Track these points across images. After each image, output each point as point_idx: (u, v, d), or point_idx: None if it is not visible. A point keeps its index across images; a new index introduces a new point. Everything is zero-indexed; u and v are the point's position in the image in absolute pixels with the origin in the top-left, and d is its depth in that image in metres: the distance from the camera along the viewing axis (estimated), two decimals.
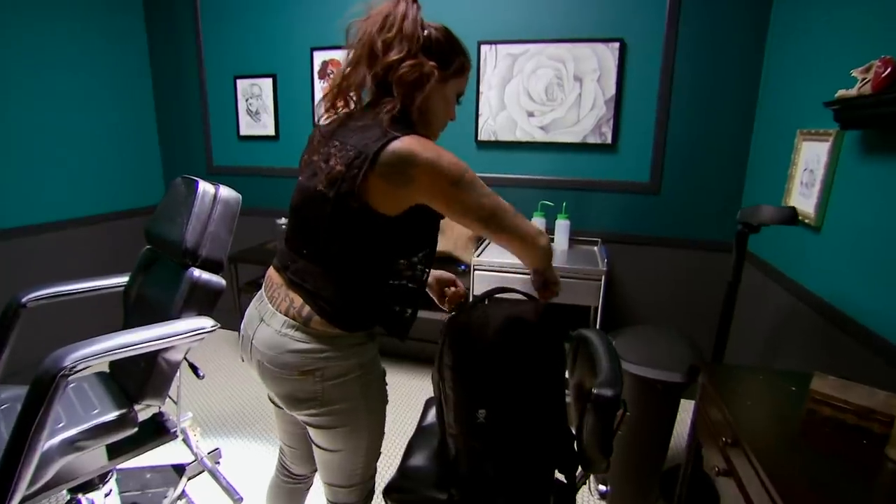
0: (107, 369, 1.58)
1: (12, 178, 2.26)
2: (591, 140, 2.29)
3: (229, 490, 1.72)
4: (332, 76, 2.57)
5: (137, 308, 1.58)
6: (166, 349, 1.39)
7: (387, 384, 1.08)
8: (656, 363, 1.64)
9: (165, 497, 1.68)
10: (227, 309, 2.15)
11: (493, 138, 2.44)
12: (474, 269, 2.11)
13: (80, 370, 1.13)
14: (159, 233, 1.53)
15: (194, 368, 1.55)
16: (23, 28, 2.27)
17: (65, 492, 1.43)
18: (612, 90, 2.22)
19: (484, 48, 2.35)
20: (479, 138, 2.46)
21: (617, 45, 2.16)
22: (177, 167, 2.99)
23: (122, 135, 2.75)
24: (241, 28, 2.65)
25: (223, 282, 1.47)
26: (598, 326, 2.00)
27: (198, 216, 1.45)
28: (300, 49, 2.56)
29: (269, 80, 2.64)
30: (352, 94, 0.97)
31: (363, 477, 1.10)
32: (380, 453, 1.12)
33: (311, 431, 1.02)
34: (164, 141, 2.98)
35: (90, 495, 1.46)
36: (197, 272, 1.42)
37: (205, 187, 1.49)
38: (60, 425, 1.29)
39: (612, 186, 2.32)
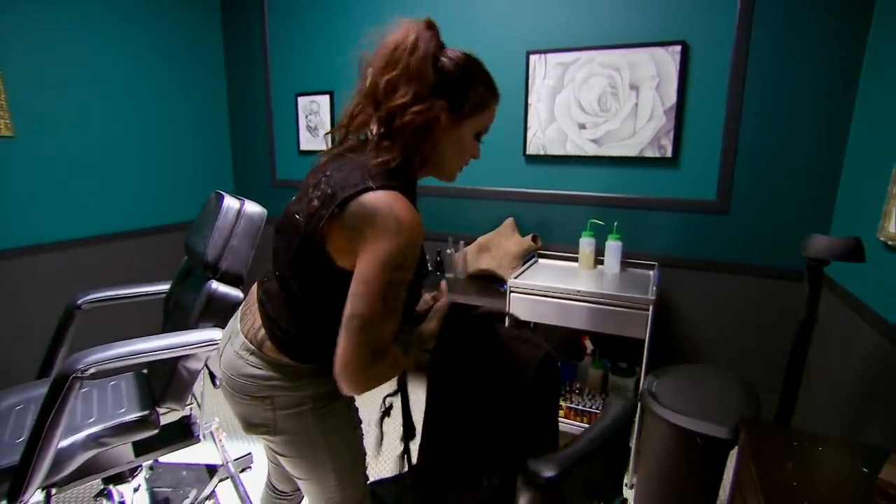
0: (145, 371, 1.70)
1: (96, 189, 2.56)
2: (649, 153, 2.08)
3: (244, 497, 1.76)
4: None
5: (173, 314, 1.68)
6: (185, 357, 1.45)
7: (355, 409, 1.03)
8: (700, 413, 1.42)
9: (193, 495, 1.76)
10: None
11: (541, 152, 2.31)
12: (511, 291, 1.99)
13: (94, 372, 1.22)
14: (191, 245, 1.62)
15: (212, 376, 1.61)
16: (107, 52, 2.57)
17: (99, 481, 1.55)
18: (672, 98, 2.00)
19: (533, 58, 2.24)
20: (527, 152, 2.34)
21: (678, 48, 1.95)
22: (246, 181, 3.21)
23: (198, 149, 3.01)
24: (303, 48, 2.78)
25: (241, 295, 1.51)
26: (645, 363, 1.79)
27: (220, 230, 1.51)
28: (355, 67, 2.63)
29: (327, 97, 2.74)
30: (360, 134, 0.91)
31: (344, 502, 1.05)
32: (365, 477, 1.08)
33: (277, 456, 1.00)
34: (235, 156, 3.22)
35: (120, 487, 1.57)
36: (215, 285, 1.47)
37: (229, 202, 1.55)
38: (90, 420, 1.39)
39: (672, 205, 2.09)
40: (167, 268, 2.77)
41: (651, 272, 2.08)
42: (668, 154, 2.04)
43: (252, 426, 0.95)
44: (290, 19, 2.81)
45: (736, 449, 1.29)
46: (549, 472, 0.77)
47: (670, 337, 2.17)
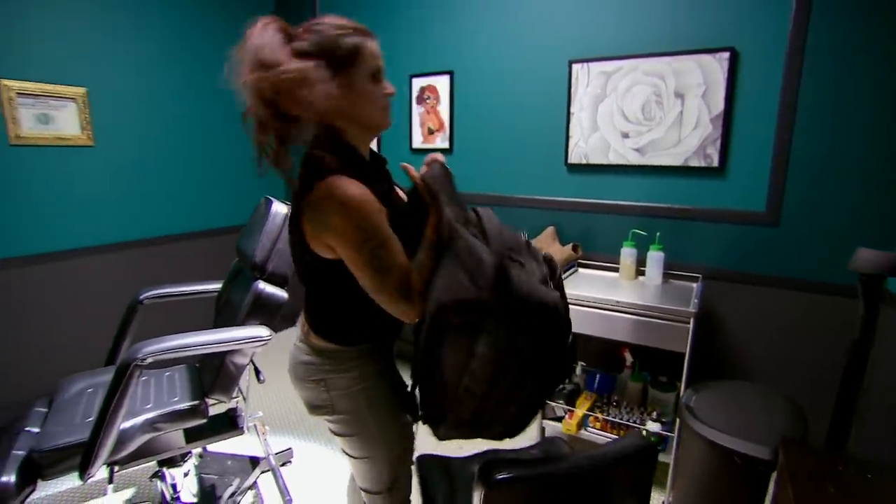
0: (197, 364, 1.81)
1: (161, 194, 2.76)
2: (694, 163, 2.03)
3: (283, 490, 1.84)
4: (427, 101, 2.63)
5: (224, 311, 1.80)
6: (233, 352, 1.55)
7: (403, 385, 1.10)
8: (741, 431, 1.37)
9: (236, 484, 1.86)
10: None
11: (583, 161, 2.30)
12: None
13: (152, 362, 1.32)
14: (242, 247, 1.73)
15: (257, 372, 1.71)
16: (173, 66, 2.77)
17: (155, 463, 1.67)
18: (719, 106, 1.94)
19: (575, 67, 2.24)
20: (568, 161, 2.34)
21: (726, 54, 1.89)
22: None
23: (249, 154, 3.18)
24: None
25: (285, 296, 1.60)
26: (685, 377, 1.74)
27: (268, 234, 1.61)
28: (401, 76, 2.71)
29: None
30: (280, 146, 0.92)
31: (388, 485, 1.11)
32: (409, 462, 1.13)
33: (335, 438, 1.08)
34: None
35: (173, 470, 1.68)
36: (262, 285, 1.57)
37: (277, 207, 1.65)
38: (147, 406, 1.51)
39: (718, 216, 2.02)
40: (222, 268, 2.95)
41: (694, 284, 2.02)
42: (715, 164, 1.98)
43: (314, 408, 1.05)
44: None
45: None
46: (502, 475, 0.81)
47: (712, 351, 2.09)
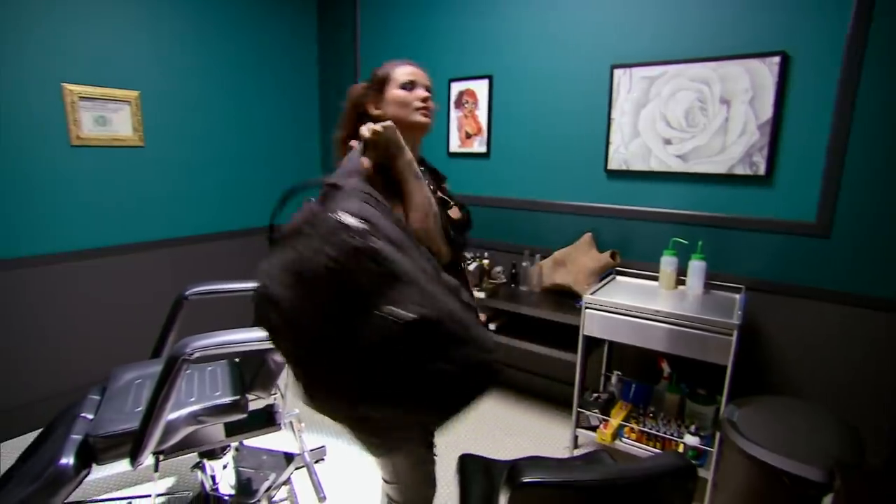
0: (237, 360, 1.87)
1: (206, 193, 2.86)
2: (739, 171, 1.97)
3: (317, 487, 1.88)
4: (465, 105, 2.67)
5: None
6: (273, 350, 1.59)
7: None
8: (789, 450, 1.32)
9: (272, 478, 1.90)
10: None
11: (623, 167, 2.26)
12: (586, 307, 1.96)
13: (198, 357, 1.37)
14: None
15: None
16: (219, 70, 2.87)
17: (196, 455, 1.73)
18: (767, 113, 1.88)
19: (617, 73, 2.21)
20: (608, 167, 2.31)
21: (777, 59, 1.83)
22: None
23: (290, 158, 3.27)
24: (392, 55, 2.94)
25: None
26: (727, 391, 1.69)
27: None
28: (440, 80, 2.73)
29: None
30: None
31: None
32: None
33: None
34: (325, 163, 3.45)
35: (212, 462, 1.74)
36: None
37: None
38: (191, 399, 1.57)
39: (764, 225, 1.95)
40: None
41: (737, 296, 1.96)
42: (761, 172, 1.92)
43: None
44: (383, 26, 2.99)
45: (831, 495, 1.18)
46: (528, 478, 0.80)
47: (756, 365, 2.02)
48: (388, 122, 0.97)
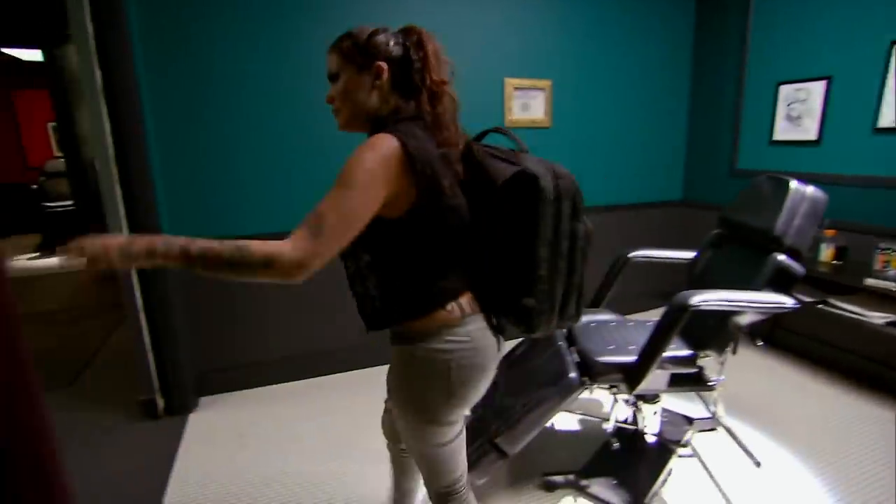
0: None
1: (598, 168, 3.16)
2: None
3: (748, 452, 1.93)
4: None
5: (701, 278, 1.97)
6: (737, 314, 1.69)
7: None
8: None
9: (687, 436, 2.05)
10: None
11: None
12: None
13: (703, 309, 1.55)
14: (741, 220, 1.84)
15: (753, 336, 1.81)
16: (606, 58, 3.08)
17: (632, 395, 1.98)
18: None
19: None
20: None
21: None
22: (697, 168, 3.39)
23: (653, 134, 3.34)
24: (793, 32, 2.70)
25: (803, 269, 1.64)
26: None
27: (788, 210, 1.67)
28: (867, 46, 2.39)
29: (820, 84, 2.59)
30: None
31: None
32: None
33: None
34: (691, 142, 3.42)
35: (645, 406, 1.97)
36: (781, 257, 1.65)
37: (796, 186, 1.69)
38: (673, 346, 1.78)
39: None
40: (655, 237, 3.22)
41: None
42: None
43: None
44: (780, 4, 2.76)
45: None
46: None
47: None
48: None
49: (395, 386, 1.09)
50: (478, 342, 1.05)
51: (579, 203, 1.04)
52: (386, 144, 0.91)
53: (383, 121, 1.01)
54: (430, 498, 1.20)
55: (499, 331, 1.12)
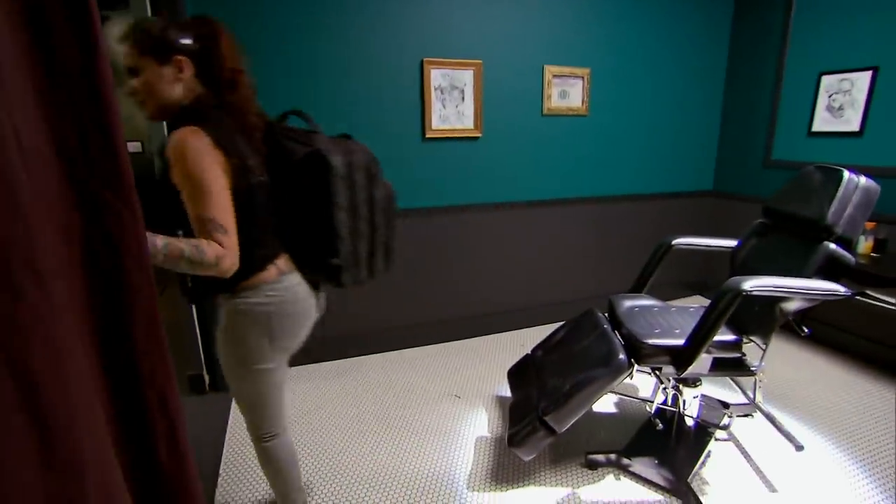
0: None
1: (632, 157, 3.18)
2: None
3: (788, 436, 1.98)
4: None
5: (745, 266, 2.00)
6: (785, 301, 1.72)
7: None
8: None
9: (727, 421, 2.09)
10: None
11: None
12: None
13: (755, 294, 1.58)
14: (789, 210, 1.86)
15: (799, 325, 1.84)
16: (643, 48, 3.07)
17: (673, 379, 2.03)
18: None
19: None
20: None
21: None
22: (730, 158, 3.38)
23: (686, 124, 3.34)
24: (837, 21, 2.67)
25: (853, 258, 1.67)
26: None
27: (841, 200, 1.69)
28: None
29: (866, 74, 2.58)
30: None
31: None
32: None
33: None
34: (724, 133, 3.41)
35: (687, 389, 2.01)
36: (832, 246, 1.67)
37: (849, 175, 1.71)
38: (676, 331, 1.82)
39: None
40: (686, 227, 3.24)
41: None
42: None
43: None
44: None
45: None
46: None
47: None
48: None
49: (224, 339, 1.22)
50: (296, 294, 1.23)
51: (375, 171, 1.25)
52: (194, 139, 1.02)
53: (187, 110, 1.09)
54: (252, 441, 1.36)
55: (315, 287, 1.31)
